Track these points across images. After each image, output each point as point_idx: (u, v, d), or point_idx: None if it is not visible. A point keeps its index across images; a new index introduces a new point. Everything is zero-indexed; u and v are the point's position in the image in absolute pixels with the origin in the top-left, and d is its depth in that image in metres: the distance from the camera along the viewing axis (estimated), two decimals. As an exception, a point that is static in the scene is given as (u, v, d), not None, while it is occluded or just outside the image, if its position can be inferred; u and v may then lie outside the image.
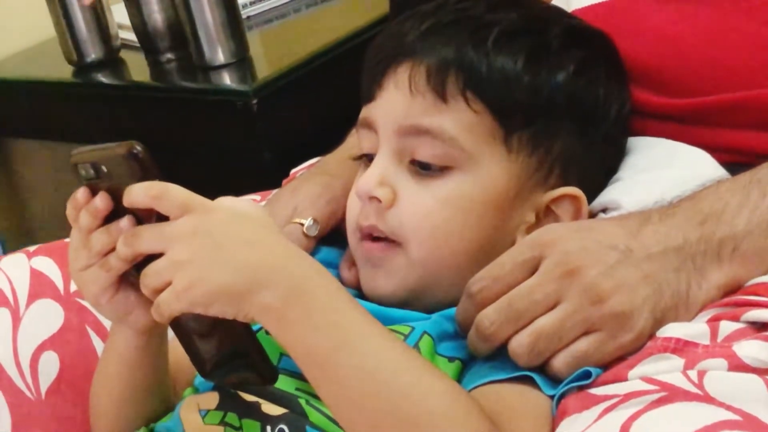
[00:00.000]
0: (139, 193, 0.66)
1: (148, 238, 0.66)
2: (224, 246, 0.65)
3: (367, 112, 0.81)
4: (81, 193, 0.69)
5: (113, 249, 0.69)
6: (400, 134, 0.78)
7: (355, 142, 0.95)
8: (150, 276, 0.67)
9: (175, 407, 0.79)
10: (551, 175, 0.79)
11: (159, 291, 0.66)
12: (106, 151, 0.67)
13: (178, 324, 0.70)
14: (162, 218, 0.66)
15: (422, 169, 0.78)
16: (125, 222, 0.68)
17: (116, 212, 0.68)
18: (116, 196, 0.68)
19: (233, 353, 0.69)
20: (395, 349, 0.66)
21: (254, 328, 0.69)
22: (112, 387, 0.78)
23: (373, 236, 0.79)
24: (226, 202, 0.68)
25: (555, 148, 0.79)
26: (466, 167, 0.77)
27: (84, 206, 0.69)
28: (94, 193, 0.69)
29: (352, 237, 0.82)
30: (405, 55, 0.79)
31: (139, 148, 0.65)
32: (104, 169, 0.67)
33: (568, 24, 0.83)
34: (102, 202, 0.68)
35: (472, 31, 0.78)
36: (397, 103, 0.79)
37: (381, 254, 0.79)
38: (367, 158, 0.82)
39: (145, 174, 0.65)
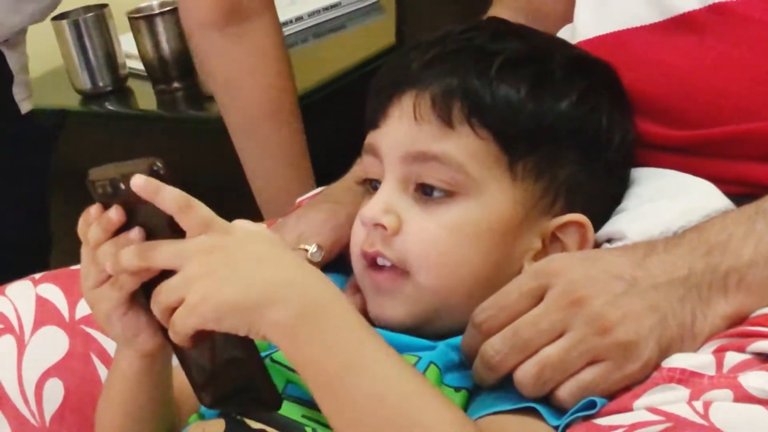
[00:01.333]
0: (171, 200, 0.65)
1: (165, 252, 0.66)
2: (238, 262, 0.65)
3: (372, 138, 0.82)
4: (94, 209, 0.69)
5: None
6: (405, 161, 0.79)
7: (360, 169, 0.96)
8: (164, 293, 0.67)
9: (177, 435, 0.79)
10: (556, 202, 0.79)
11: (170, 309, 0.66)
12: (126, 167, 0.67)
13: (181, 352, 0.70)
14: (174, 236, 0.66)
15: (427, 194, 0.78)
16: (135, 233, 0.67)
17: (124, 230, 0.68)
18: (131, 212, 0.67)
19: (236, 380, 0.68)
20: (406, 374, 0.66)
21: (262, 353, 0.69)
22: (115, 412, 0.78)
23: (377, 263, 0.80)
24: (243, 224, 0.68)
25: (559, 175, 0.79)
26: (472, 194, 0.78)
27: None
28: (107, 209, 0.69)
29: (357, 264, 0.82)
30: (409, 83, 0.80)
31: (159, 164, 0.66)
32: (122, 186, 0.66)
33: (571, 54, 0.84)
34: (116, 214, 0.68)
35: (476, 59, 0.79)
36: (402, 130, 0.79)
37: (388, 283, 0.79)
38: (371, 184, 0.82)
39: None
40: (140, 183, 0.65)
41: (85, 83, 1.67)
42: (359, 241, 0.81)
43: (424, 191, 0.79)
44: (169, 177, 0.66)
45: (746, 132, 0.80)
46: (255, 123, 1.29)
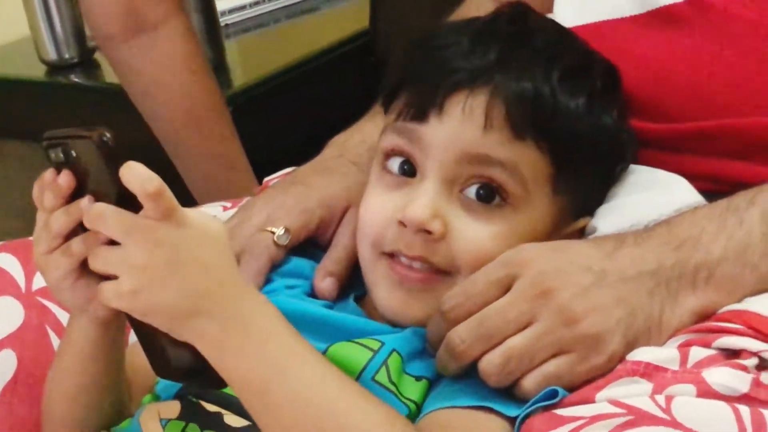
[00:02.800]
0: (137, 180, 0.63)
1: (115, 223, 0.64)
2: (181, 265, 0.64)
3: (416, 128, 0.77)
4: (48, 174, 0.68)
5: (74, 233, 0.67)
6: (461, 162, 0.76)
7: (332, 153, 0.94)
8: (98, 259, 0.65)
9: (129, 415, 0.78)
10: (577, 210, 0.79)
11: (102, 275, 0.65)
12: (76, 135, 0.66)
13: (133, 319, 0.69)
14: (123, 206, 0.65)
15: (480, 199, 0.75)
16: (86, 202, 0.66)
17: (80, 197, 0.67)
18: (81, 179, 0.67)
19: (183, 353, 0.67)
20: (332, 378, 0.66)
21: None
22: (65, 384, 0.77)
23: (402, 261, 0.76)
24: (199, 221, 0.66)
25: (586, 188, 0.79)
26: (520, 205, 0.76)
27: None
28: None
29: (372, 255, 0.79)
30: (478, 82, 0.76)
31: (108, 135, 0.65)
32: (73, 153, 0.66)
33: (602, 63, 0.82)
34: (65, 180, 0.67)
35: (538, 65, 0.76)
36: (466, 131, 0.75)
37: (423, 284, 0.76)
38: (402, 164, 0.78)
39: (111, 162, 0.65)
40: (129, 174, 0.63)
41: (52, 54, 1.65)
42: (386, 237, 0.77)
43: (478, 194, 0.75)
44: (117, 148, 0.65)
45: (720, 128, 0.80)
46: (178, 132, 1.27)
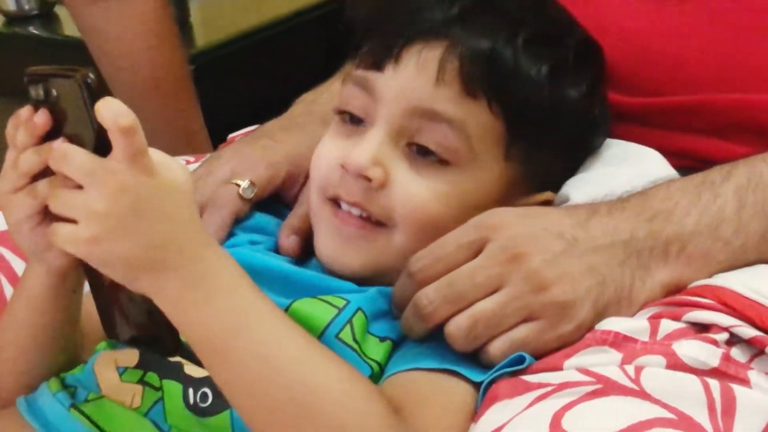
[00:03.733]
0: (111, 114, 0.61)
1: (79, 165, 0.62)
2: (145, 213, 0.62)
3: (371, 77, 0.76)
4: (24, 111, 0.65)
5: (42, 175, 0.65)
6: (409, 115, 0.75)
7: (301, 110, 0.93)
8: (58, 202, 0.63)
9: (81, 362, 0.76)
10: (534, 182, 0.78)
11: (59, 217, 0.63)
12: (60, 74, 0.64)
13: (91, 275, 0.67)
14: (96, 152, 0.63)
15: (421, 155, 0.75)
16: (58, 143, 0.64)
17: (54, 139, 0.65)
18: (58, 120, 0.64)
19: (139, 316, 0.66)
20: (293, 334, 0.65)
21: None
22: (18, 331, 0.74)
23: (344, 207, 0.76)
24: (168, 167, 0.63)
25: (546, 159, 0.78)
26: (466, 166, 0.75)
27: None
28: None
29: (318, 199, 0.78)
30: (436, 35, 0.75)
31: (93, 76, 0.63)
32: (54, 92, 0.64)
33: (579, 35, 0.80)
34: (41, 118, 0.64)
35: (503, 26, 0.75)
36: (417, 83, 0.74)
37: (359, 232, 0.76)
38: (350, 118, 0.78)
39: (92, 104, 0.62)
40: (105, 108, 0.61)
41: (11, 5, 1.62)
42: (325, 177, 0.77)
43: (419, 151, 0.75)
44: (102, 90, 0.63)
45: (698, 103, 0.79)
46: (137, 100, 1.24)
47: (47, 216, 0.66)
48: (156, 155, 0.63)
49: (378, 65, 0.76)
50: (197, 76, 1.35)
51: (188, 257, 0.63)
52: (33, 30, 1.58)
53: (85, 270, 0.67)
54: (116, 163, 0.61)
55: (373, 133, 0.75)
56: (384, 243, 0.75)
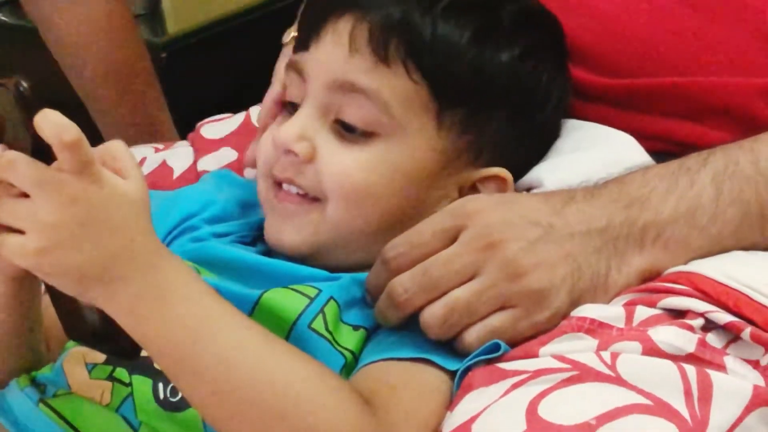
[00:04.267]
0: (53, 128, 0.59)
1: (26, 174, 0.60)
2: (94, 224, 0.60)
3: (299, 58, 0.77)
4: None
5: None
6: (330, 89, 0.75)
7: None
8: (3, 211, 0.61)
9: (49, 361, 0.75)
10: (480, 156, 0.77)
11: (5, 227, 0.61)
12: None
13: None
14: (37, 157, 0.61)
15: (346, 131, 0.75)
16: (1, 150, 0.62)
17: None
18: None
19: (96, 320, 0.65)
20: (256, 336, 0.64)
21: None
22: None
23: (283, 188, 0.77)
24: (115, 177, 0.62)
25: (488, 130, 0.77)
26: (392, 136, 0.75)
27: None
28: None
29: (263, 185, 0.78)
30: (347, 6, 0.75)
31: (25, 85, 0.62)
32: None
33: (522, 4, 0.80)
34: None
35: None
36: (333, 57, 0.75)
37: (293, 207, 0.76)
38: (290, 107, 0.78)
39: (26, 112, 0.61)
40: (44, 123, 0.59)
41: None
42: (268, 160, 0.78)
43: (344, 127, 0.75)
44: (33, 98, 0.62)
45: (673, 86, 0.78)
46: (96, 91, 1.23)
47: None
48: (121, 159, 0.62)
49: (305, 45, 0.77)
50: (168, 63, 1.34)
51: (139, 267, 0.61)
52: (1, 17, 1.56)
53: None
54: (65, 174, 0.60)
55: (300, 110, 0.76)
56: (318, 217, 0.75)
